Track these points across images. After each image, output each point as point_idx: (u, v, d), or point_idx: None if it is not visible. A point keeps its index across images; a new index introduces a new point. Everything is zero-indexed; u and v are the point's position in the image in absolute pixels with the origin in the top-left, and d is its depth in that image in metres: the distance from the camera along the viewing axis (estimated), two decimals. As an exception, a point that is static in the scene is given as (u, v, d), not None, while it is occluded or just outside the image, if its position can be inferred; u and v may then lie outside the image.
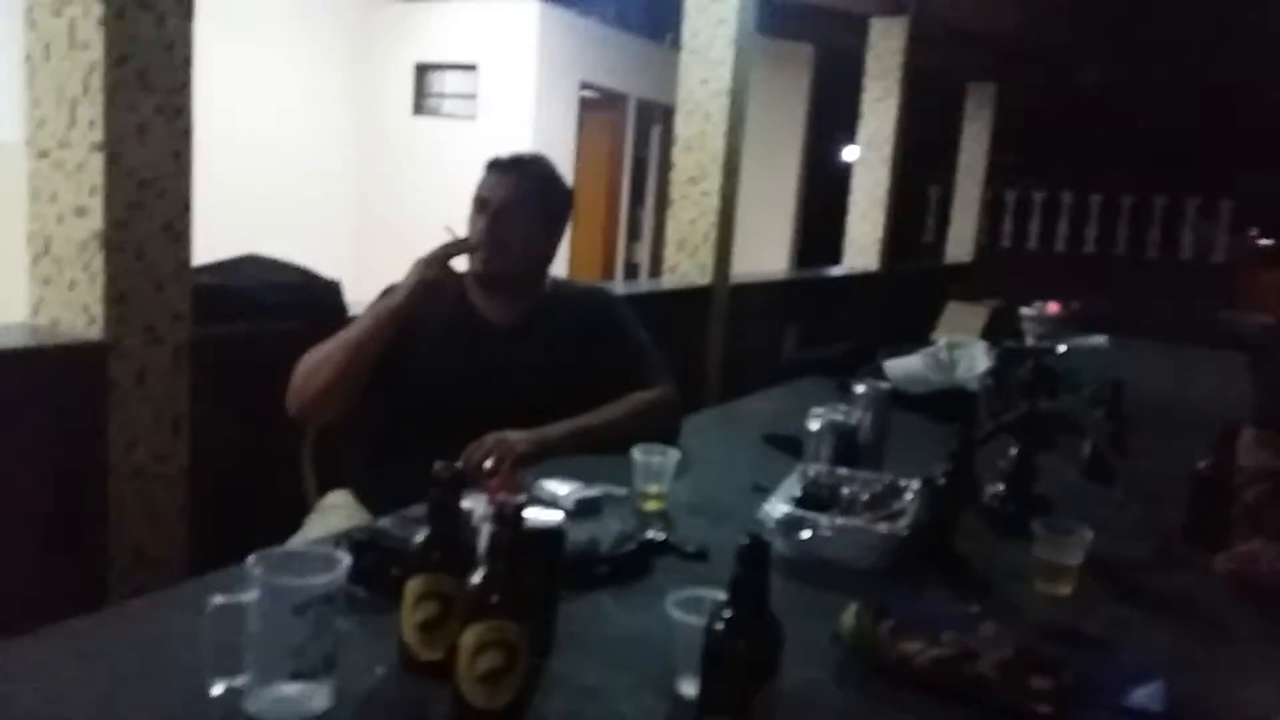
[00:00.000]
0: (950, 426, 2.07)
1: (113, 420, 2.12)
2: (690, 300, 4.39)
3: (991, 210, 9.66)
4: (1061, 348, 1.63)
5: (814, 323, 5.50)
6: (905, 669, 1.09)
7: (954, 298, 3.55)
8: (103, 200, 2.05)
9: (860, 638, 1.13)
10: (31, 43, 2.12)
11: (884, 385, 1.76)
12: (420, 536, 1.02)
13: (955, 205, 9.11)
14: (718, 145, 4.36)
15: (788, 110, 9.37)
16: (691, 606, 1.01)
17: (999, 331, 2.93)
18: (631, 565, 1.32)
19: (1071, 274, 8.52)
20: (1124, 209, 9.38)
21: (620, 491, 1.60)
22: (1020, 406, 1.62)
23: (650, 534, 1.41)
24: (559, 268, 2.08)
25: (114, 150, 2.05)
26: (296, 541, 1.67)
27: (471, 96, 8.50)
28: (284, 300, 2.49)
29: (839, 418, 1.69)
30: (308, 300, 2.55)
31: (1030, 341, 1.63)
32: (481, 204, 1.90)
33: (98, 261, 2.07)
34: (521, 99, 8.24)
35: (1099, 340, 1.62)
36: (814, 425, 1.70)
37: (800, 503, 1.47)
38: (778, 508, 1.41)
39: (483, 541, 1.04)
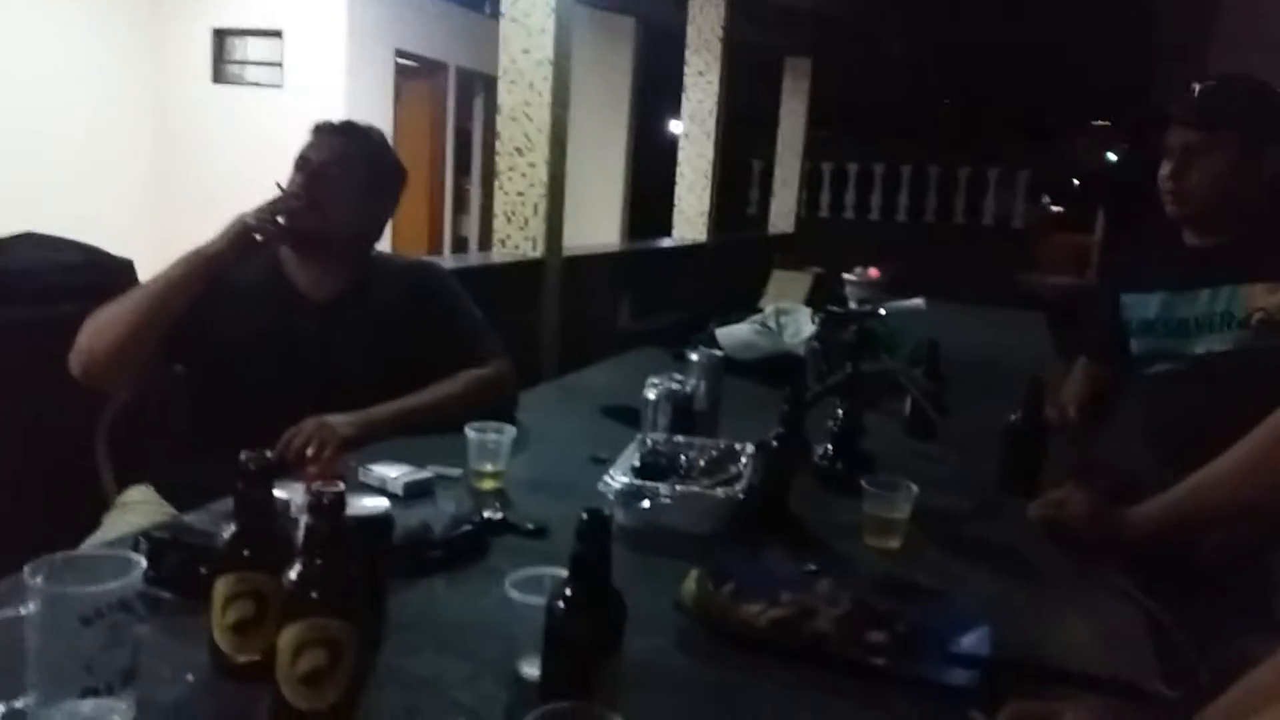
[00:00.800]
0: (780, 390, 2.13)
1: None
2: (522, 274, 4.32)
3: (810, 182, 9.99)
4: (883, 310, 1.67)
5: (647, 294, 5.53)
6: (747, 631, 1.10)
7: (779, 266, 3.64)
8: None
9: (702, 603, 1.12)
10: None
11: (717, 353, 1.77)
12: (228, 532, 0.94)
13: (776, 177, 9.37)
14: (543, 116, 4.29)
15: (613, 83, 9.36)
16: (531, 586, 0.97)
17: (822, 297, 3.02)
18: (467, 547, 1.27)
19: (886, 241, 8.92)
20: (931, 179, 9.89)
21: (454, 472, 1.54)
22: (845, 368, 1.66)
23: (487, 514, 1.36)
24: (383, 243, 1.98)
25: None
26: (93, 542, 1.53)
27: (277, 64, 8.05)
28: (68, 281, 2.27)
29: (675, 386, 1.69)
30: (95, 281, 2.33)
31: (853, 305, 1.66)
32: (303, 162, 1.79)
33: None
34: (331, 67, 7.86)
35: (917, 303, 1.68)
36: (651, 395, 1.69)
37: (639, 472, 1.45)
38: (618, 479, 1.39)
39: (300, 534, 0.97)
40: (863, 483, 1.40)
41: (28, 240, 2.36)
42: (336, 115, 1.89)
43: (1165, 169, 1.85)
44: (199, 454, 1.70)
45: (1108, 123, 12.35)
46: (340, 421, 1.63)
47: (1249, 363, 1.72)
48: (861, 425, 1.66)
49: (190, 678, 0.94)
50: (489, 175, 8.07)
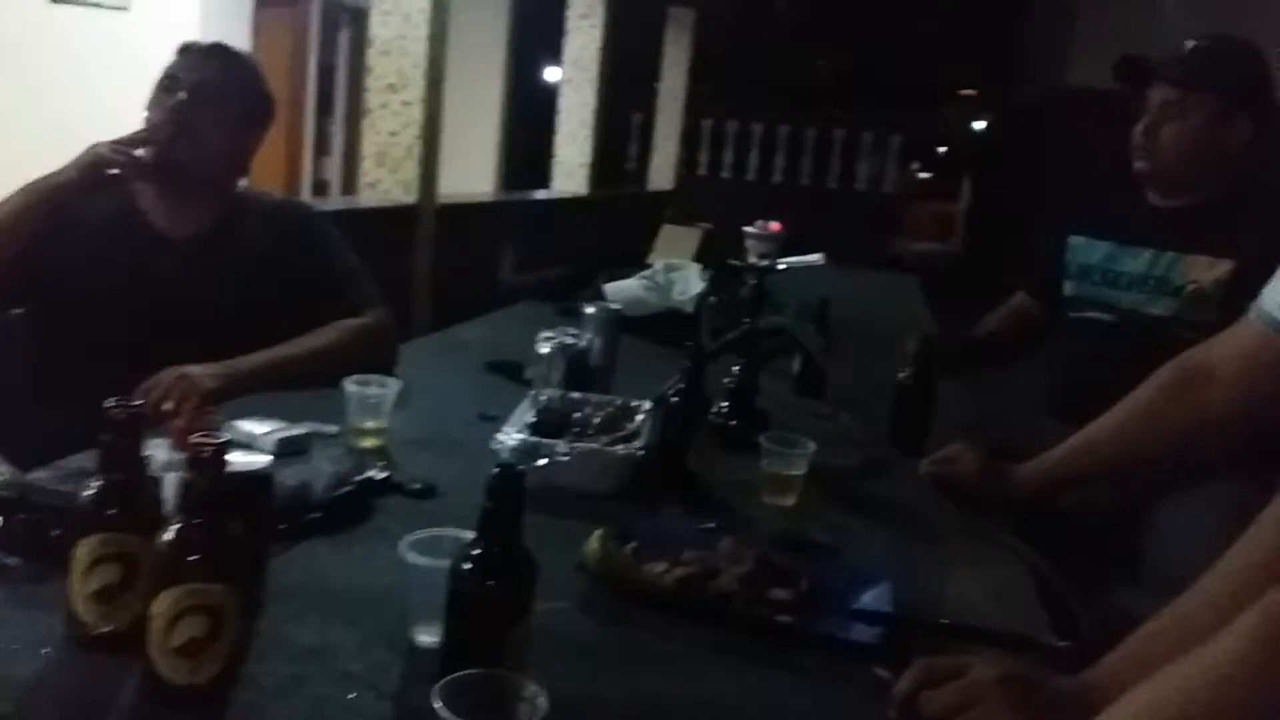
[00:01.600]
0: (670, 348, 2.10)
1: None
2: (393, 220, 4.15)
3: (688, 139, 9.98)
4: (782, 265, 1.65)
5: (528, 247, 5.43)
6: (651, 591, 1.07)
7: (668, 221, 3.61)
8: None
9: (605, 563, 1.09)
10: None
11: (613, 308, 1.72)
12: (90, 490, 0.84)
13: (658, 132, 9.32)
14: (419, 50, 4.10)
15: (486, 23, 9.05)
16: (429, 548, 0.91)
17: (710, 253, 3.00)
18: (350, 509, 1.20)
19: (763, 201, 8.99)
20: (808, 142, 10.02)
21: (330, 429, 1.45)
22: (743, 324, 1.64)
23: (370, 473, 1.28)
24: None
25: None
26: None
27: (121, -15, 7.45)
28: None
29: (570, 341, 1.64)
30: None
31: (753, 259, 1.64)
32: (170, 82, 1.63)
33: None
34: (183, -10, 7.33)
35: (816, 258, 1.67)
36: (544, 349, 1.63)
37: (534, 429, 1.40)
38: (511, 436, 1.33)
39: (171, 493, 0.88)
40: (762, 440, 1.39)
41: None
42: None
43: (1141, 123, 1.86)
44: (41, 407, 1.56)
45: (974, 92, 12.78)
46: (202, 373, 1.51)
47: (1167, 330, 1.77)
48: (758, 383, 1.65)
49: (47, 651, 0.85)
50: (355, 115, 7.71)
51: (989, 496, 1.45)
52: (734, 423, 1.61)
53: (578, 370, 1.63)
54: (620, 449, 1.36)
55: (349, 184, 8.33)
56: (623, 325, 1.78)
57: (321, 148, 9.33)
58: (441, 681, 0.69)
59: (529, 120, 8.70)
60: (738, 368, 1.65)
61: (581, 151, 6.61)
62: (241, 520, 0.82)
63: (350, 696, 0.84)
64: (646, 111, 9.69)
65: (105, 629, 0.85)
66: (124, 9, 7.42)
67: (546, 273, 3.30)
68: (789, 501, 1.39)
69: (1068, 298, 2.01)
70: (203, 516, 0.78)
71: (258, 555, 0.95)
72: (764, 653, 1.00)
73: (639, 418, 1.48)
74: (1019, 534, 1.36)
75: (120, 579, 0.84)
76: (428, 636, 0.90)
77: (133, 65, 1.66)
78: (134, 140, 1.58)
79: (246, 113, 1.73)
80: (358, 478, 1.25)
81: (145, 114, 1.64)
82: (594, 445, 1.38)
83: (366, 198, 4.26)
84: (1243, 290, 1.39)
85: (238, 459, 0.95)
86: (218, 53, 1.69)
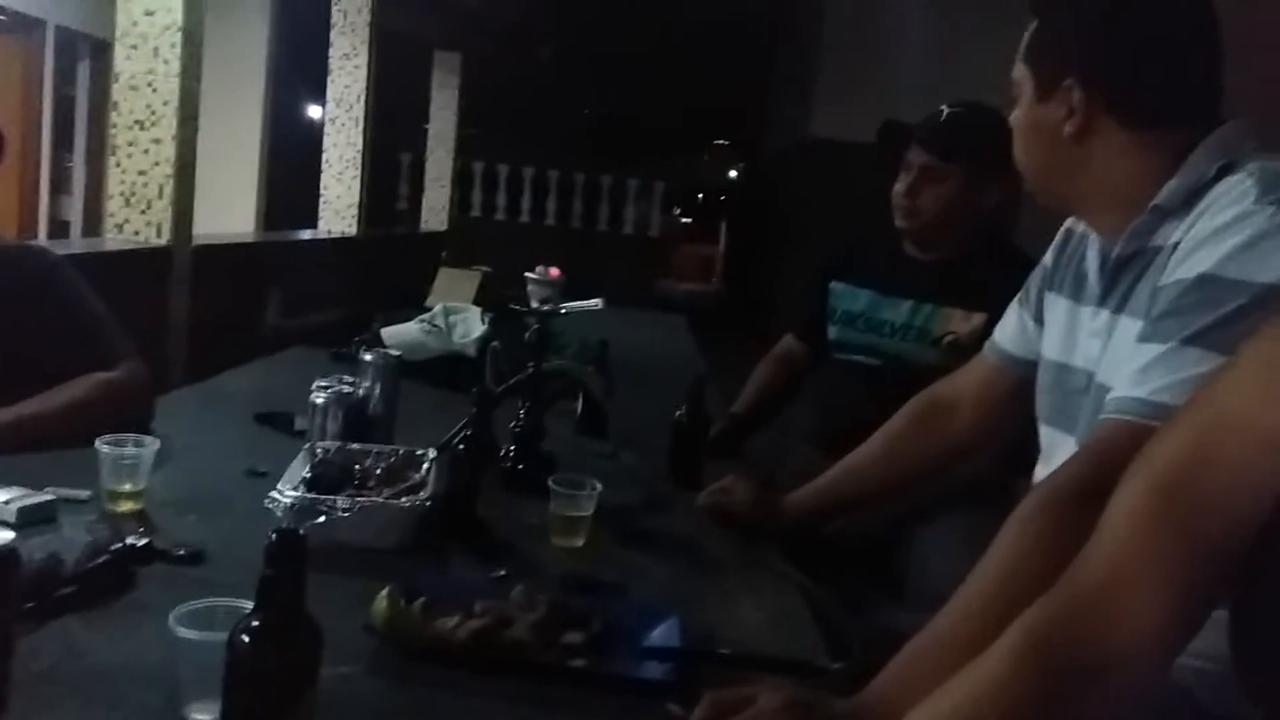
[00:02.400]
0: (452, 392, 2.07)
1: None
2: (145, 263, 3.85)
3: (462, 180, 9.93)
4: (564, 309, 1.67)
5: (295, 289, 5.18)
6: (444, 647, 1.05)
7: (446, 264, 3.57)
8: None
9: (393, 622, 1.06)
10: None
11: (393, 354, 1.68)
12: None
13: (429, 173, 9.20)
14: (170, 86, 3.85)
15: (244, 57, 8.65)
16: (201, 620, 0.86)
17: (490, 296, 3.00)
18: (107, 581, 1.10)
19: (537, 244, 9.09)
20: (578, 185, 10.23)
21: (81, 494, 1.33)
22: (528, 367, 1.65)
23: (128, 540, 1.18)
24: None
25: None
26: None
27: None
28: None
29: (347, 389, 1.58)
30: None
31: (535, 304, 1.66)
32: None
33: None
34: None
35: (595, 303, 1.70)
36: (319, 399, 1.57)
37: (311, 484, 1.34)
38: (287, 492, 1.27)
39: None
40: (550, 482, 1.40)
41: None
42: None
43: (901, 184, 2.01)
44: None
45: (727, 142, 13.52)
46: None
47: (928, 377, 1.91)
48: (543, 425, 1.66)
49: None
50: (98, 152, 7.14)
51: (762, 525, 1.53)
52: (521, 466, 1.61)
53: (356, 420, 1.58)
54: (405, 501, 1.33)
55: (92, 225, 7.66)
56: (403, 371, 1.74)
57: (59, 186, 8.54)
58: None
59: (294, 158, 8.36)
60: (523, 411, 1.65)
61: (350, 191, 6.41)
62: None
63: (116, 790, 0.77)
64: (416, 152, 9.56)
65: None
66: None
67: (318, 317, 3.18)
68: (578, 542, 1.40)
69: (834, 341, 2.15)
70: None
71: (4, 637, 0.86)
72: (561, 698, 1.00)
73: (424, 467, 1.45)
74: (791, 560, 1.44)
75: None
76: (203, 715, 0.84)
77: None
78: None
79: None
80: (115, 546, 1.15)
81: None
82: (377, 499, 1.34)
83: (114, 240, 3.94)
84: None
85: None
86: None
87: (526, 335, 1.63)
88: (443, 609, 1.09)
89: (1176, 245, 1.10)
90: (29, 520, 1.22)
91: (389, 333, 2.31)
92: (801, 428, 2.22)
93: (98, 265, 3.60)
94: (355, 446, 1.49)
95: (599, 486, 1.41)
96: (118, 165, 3.94)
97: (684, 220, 12.62)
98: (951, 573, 1.24)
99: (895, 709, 0.86)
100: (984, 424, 1.49)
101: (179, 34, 3.84)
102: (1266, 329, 0.80)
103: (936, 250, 2.05)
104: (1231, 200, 1.05)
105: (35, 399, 1.53)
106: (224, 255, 4.73)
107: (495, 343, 1.61)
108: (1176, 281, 1.07)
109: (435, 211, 9.20)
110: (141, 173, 3.92)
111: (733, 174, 12.79)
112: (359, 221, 6.44)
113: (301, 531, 0.78)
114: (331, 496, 1.29)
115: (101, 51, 4.05)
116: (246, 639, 0.75)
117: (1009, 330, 1.46)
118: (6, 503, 1.23)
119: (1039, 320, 1.39)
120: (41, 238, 7.89)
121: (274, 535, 0.76)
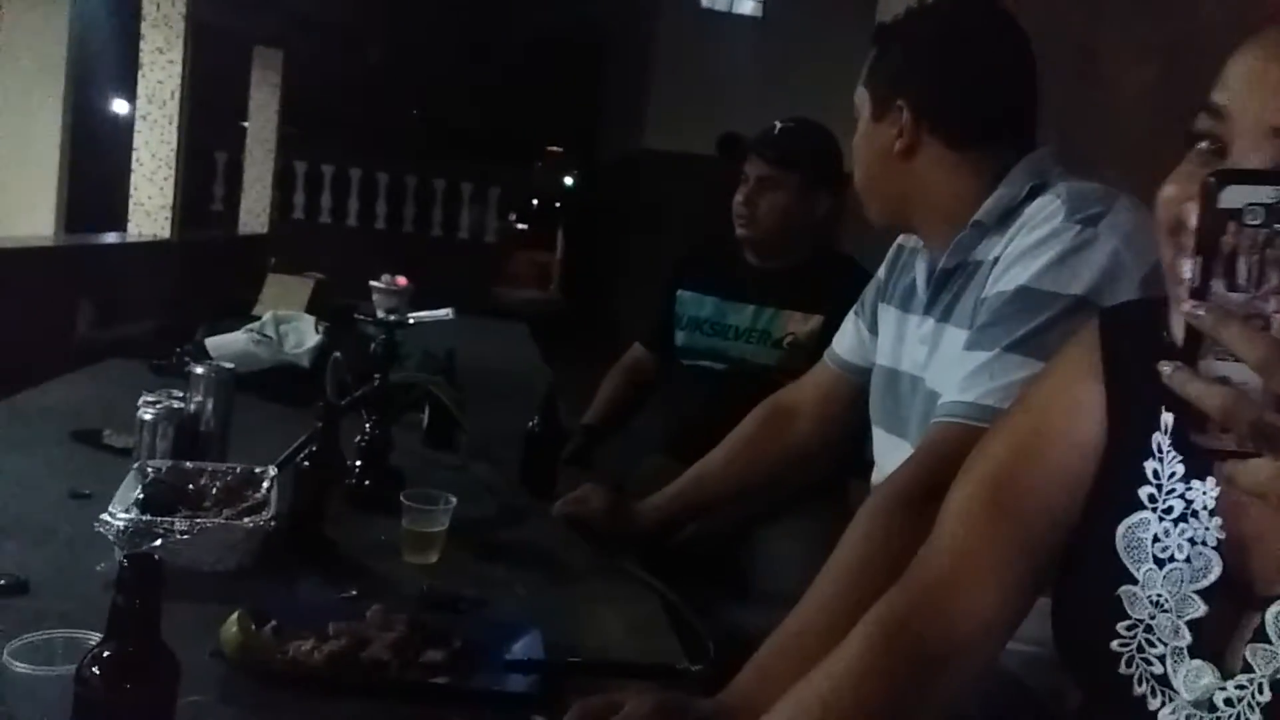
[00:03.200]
0: (286, 406, 1.99)
1: None
2: (-71, 270, 3.53)
3: (284, 182, 9.54)
4: (412, 319, 1.64)
5: (108, 298, 4.83)
6: (299, 671, 1.01)
7: (275, 270, 3.41)
8: None
9: (244, 648, 1.01)
10: None
11: (227, 366, 1.61)
12: None
13: (248, 174, 8.79)
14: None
15: (40, 52, 8.02)
16: (37, 654, 0.80)
17: (325, 304, 2.90)
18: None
19: (366, 249, 8.84)
20: (409, 189, 10.01)
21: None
22: (374, 379, 1.61)
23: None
24: None
25: None
26: None
27: None
28: None
29: (176, 405, 1.50)
30: None
31: (381, 314, 1.62)
32: None
33: None
34: None
35: (445, 312, 1.68)
36: (147, 415, 1.48)
37: (144, 506, 1.26)
38: (118, 515, 1.19)
39: None
40: (402, 498, 1.37)
41: None
42: None
43: (740, 194, 2.10)
44: None
45: (561, 149, 13.57)
46: None
47: (771, 378, 1.98)
48: (390, 439, 1.62)
49: None
50: None
51: (617, 532, 1.55)
52: (368, 483, 1.57)
53: (188, 437, 1.50)
54: (248, 521, 1.27)
55: None
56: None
57: None
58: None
59: (100, 158, 7.80)
60: (370, 425, 1.61)
61: (163, 192, 6.04)
62: None
63: None
64: (233, 151, 9.12)
65: None
66: None
67: (133, 327, 2.99)
68: (432, 558, 1.38)
69: (681, 347, 2.22)
70: None
71: None
72: (424, 718, 0.99)
73: (265, 485, 1.40)
74: (646, 566, 1.46)
75: None
76: (41, 759, 0.78)
77: None
78: None
79: None
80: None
81: None
82: (217, 520, 1.28)
83: (-112, 243, 3.58)
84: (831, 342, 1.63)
85: None
86: None
87: (372, 346, 1.59)
88: (295, 632, 1.06)
89: (996, 260, 1.20)
90: None
91: (214, 343, 2.19)
92: (652, 435, 2.27)
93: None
94: (189, 465, 1.42)
95: (453, 500, 1.39)
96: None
97: (519, 226, 12.57)
98: (796, 572, 1.31)
99: (758, 704, 0.89)
100: (825, 429, 1.57)
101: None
102: (1078, 337, 0.89)
103: (774, 257, 2.15)
104: (1044, 218, 1.16)
105: None
106: (20, 260, 4.37)
107: (337, 354, 1.56)
108: (998, 293, 1.16)
109: (254, 214, 8.80)
110: (-75, 170, 3.58)
111: (569, 180, 12.85)
112: (173, 224, 6.09)
113: (157, 556, 0.74)
114: (167, 518, 1.22)
115: None
116: (98, 671, 0.70)
117: (846, 340, 1.54)
118: None
119: (873, 330, 1.47)
120: None
121: (125, 560, 0.72)
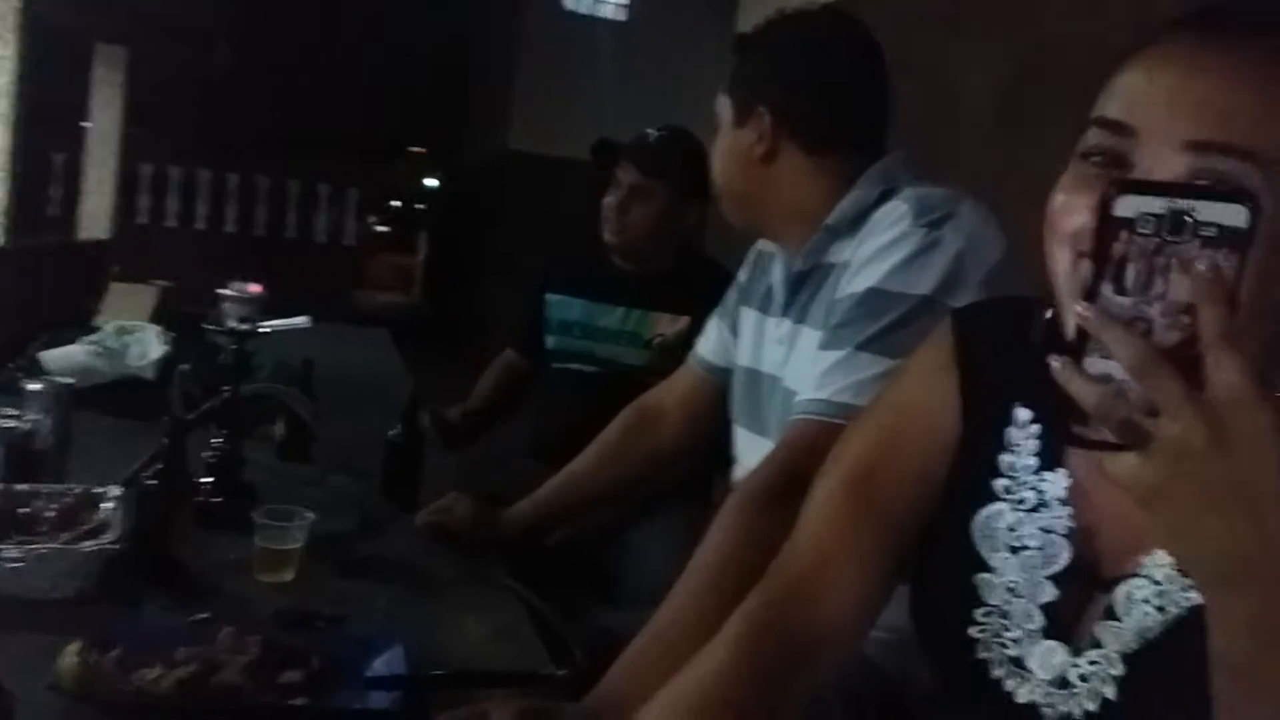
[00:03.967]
0: (130, 421, 1.89)
1: None
2: None
3: (127, 184, 9.03)
4: (265, 328, 1.58)
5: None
6: (146, 701, 0.96)
7: (117, 278, 3.22)
8: None
9: (85, 679, 0.96)
10: None
11: (65, 381, 1.51)
12: None
13: (88, 176, 8.27)
14: None
15: None
16: None
17: (169, 313, 2.77)
18: None
19: (216, 253, 8.46)
20: (261, 190, 9.63)
21: None
22: (223, 392, 1.54)
23: None
24: None
25: None
26: None
27: None
28: None
29: (9, 423, 1.40)
30: None
31: (232, 323, 1.55)
32: None
33: None
34: None
35: (302, 321, 1.62)
36: (-28, 435, 1.38)
37: (-31, 533, 1.18)
38: (-62, 545, 1.11)
39: None
40: (255, 516, 1.32)
41: None
42: None
43: (611, 199, 2.12)
44: None
45: (423, 150, 13.30)
46: None
47: (640, 379, 2.00)
48: (241, 454, 1.56)
49: None
50: None
51: (484, 540, 1.54)
52: (218, 499, 1.50)
53: (21, 457, 1.41)
54: (87, 545, 1.20)
55: None
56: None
57: None
58: None
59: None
60: (219, 439, 1.54)
61: (-10, 196, 5.65)
62: None
63: None
64: (72, 153, 8.58)
65: None
66: None
67: (-44, 341, 2.76)
68: (287, 576, 1.33)
69: (550, 350, 2.23)
70: None
71: None
72: (281, 741, 0.96)
73: (106, 506, 1.32)
74: (515, 573, 1.45)
75: None
76: None
77: None
78: None
79: None
80: None
81: None
82: (53, 544, 1.20)
83: None
84: None
85: None
86: None
87: (221, 356, 1.53)
88: (141, 660, 1.00)
89: (848, 263, 1.24)
90: None
91: (51, 356, 2.06)
92: (520, 440, 2.26)
93: None
94: (21, 487, 1.33)
95: (310, 516, 1.35)
96: None
97: (380, 229, 12.26)
98: (660, 570, 1.32)
99: (627, 704, 0.90)
100: (690, 429, 1.60)
101: None
102: (933, 336, 0.93)
103: (643, 262, 2.19)
104: (891, 222, 1.21)
105: None
106: None
107: (184, 365, 1.49)
108: (849, 295, 1.21)
109: (95, 218, 8.27)
110: None
111: (431, 182, 12.61)
112: (6, 230, 5.69)
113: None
114: (-2, 546, 1.14)
115: None
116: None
117: (709, 342, 1.57)
118: None
119: (735, 332, 1.51)
120: None
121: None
